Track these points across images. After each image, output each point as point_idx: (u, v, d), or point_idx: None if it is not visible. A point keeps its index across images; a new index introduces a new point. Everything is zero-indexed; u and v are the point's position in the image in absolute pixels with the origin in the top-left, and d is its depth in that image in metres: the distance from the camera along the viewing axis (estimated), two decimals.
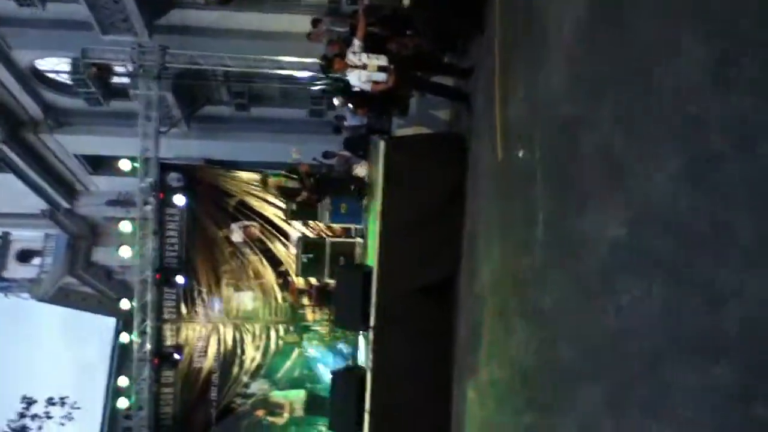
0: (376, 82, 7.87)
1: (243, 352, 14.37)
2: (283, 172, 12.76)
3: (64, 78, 14.75)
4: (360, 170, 11.41)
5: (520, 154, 5.62)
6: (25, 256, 25.15)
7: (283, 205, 13.41)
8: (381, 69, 7.80)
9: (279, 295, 14.25)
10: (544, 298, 4.70)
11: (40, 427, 21.11)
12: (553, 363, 4.51)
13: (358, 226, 12.42)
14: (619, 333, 3.46)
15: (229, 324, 14.35)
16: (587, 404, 3.86)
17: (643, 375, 3.19)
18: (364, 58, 7.76)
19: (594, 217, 3.91)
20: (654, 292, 3.14)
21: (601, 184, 3.86)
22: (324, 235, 13.42)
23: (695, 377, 2.74)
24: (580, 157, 4.18)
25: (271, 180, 12.68)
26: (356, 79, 7.94)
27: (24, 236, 24.56)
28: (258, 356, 14.31)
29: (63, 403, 21.66)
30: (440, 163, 8.24)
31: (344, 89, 9.11)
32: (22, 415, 21.00)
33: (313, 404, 13.54)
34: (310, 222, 13.55)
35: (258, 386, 14.24)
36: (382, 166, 8.41)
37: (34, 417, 21.07)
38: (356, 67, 7.83)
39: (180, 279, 13.71)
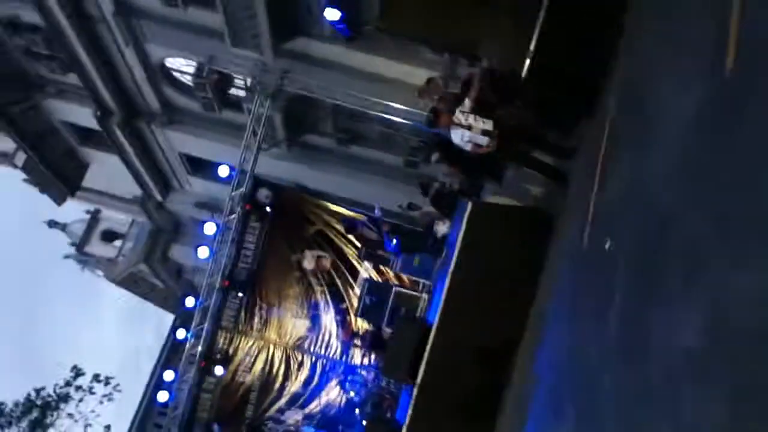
0: (477, 145, 7.94)
1: (286, 378, 14.45)
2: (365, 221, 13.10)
3: (187, 79, 15.64)
4: (441, 228, 11.45)
5: (607, 246, 5.53)
6: (108, 236, 26.36)
7: (358, 244, 13.60)
8: (485, 133, 7.87)
9: (334, 331, 14.33)
10: (602, 390, 4.56)
11: (81, 400, 21.69)
12: None
13: (426, 282, 12.40)
14: None
15: (280, 347, 14.49)
16: None
17: None
18: (471, 119, 7.86)
19: (670, 319, 3.80)
20: (717, 411, 3.01)
21: (683, 287, 3.76)
22: (391, 283, 13.45)
23: None
24: (667, 256, 4.09)
25: (357, 230, 12.97)
26: (459, 138, 8.03)
27: (112, 217, 25.80)
28: (299, 385, 14.36)
29: (107, 383, 22.21)
30: (522, 237, 8.19)
31: (442, 146, 9.24)
32: (68, 384, 21.66)
33: None
34: (381, 266, 13.65)
35: (292, 415, 14.23)
36: (464, 227, 8.44)
37: (78, 388, 21.70)
38: (461, 125, 7.94)
39: (240, 294, 14.09)
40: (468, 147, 8.01)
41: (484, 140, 7.91)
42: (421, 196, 12.01)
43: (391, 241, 12.10)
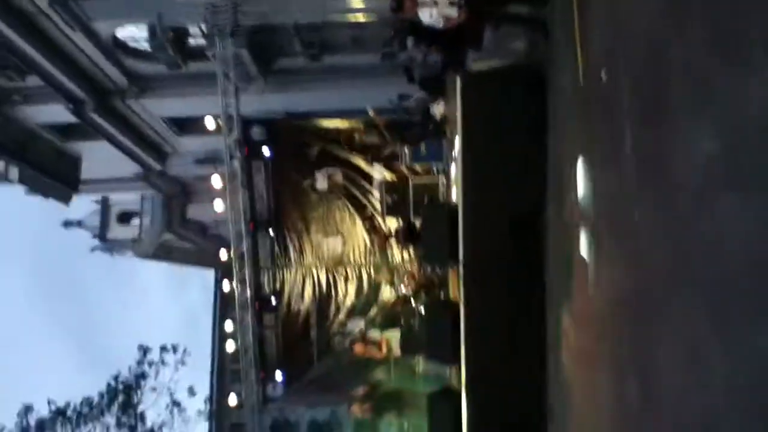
0: (448, 18, 7.81)
1: (337, 293, 14.99)
2: (360, 127, 13.06)
3: (144, 45, 15.29)
4: (437, 109, 11.46)
5: (603, 77, 5.56)
6: (124, 218, 26.59)
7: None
8: (452, 4, 7.73)
9: (367, 238, 14.68)
10: (635, 218, 4.74)
11: (157, 372, 22.82)
12: (648, 282, 4.58)
13: (439, 165, 12.53)
14: (713, 247, 3.50)
15: (322, 268, 14.94)
16: (688, 321, 3.91)
17: (743, 286, 3.22)
18: None
19: (685, 133, 3.89)
20: (751, 205, 3.15)
21: (691, 98, 3.80)
22: (406, 176, 13.59)
23: None
24: (667, 73, 4.11)
25: (357, 138, 13.00)
26: (428, 17, 7.89)
27: (121, 199, 25.93)
28: (352, 296, 14.90)
29: (175, 350, 23.24)
30: (518, 95, 8.20)
31: (414, 29, 9.09)
32: (139, 363, 22.73)
33: (409, 342, 13.90)
34: (392, 164, 13.75)
35: (355, 325, 14.84)
36: (460, 103, 8.46)
37: (150, 364, 22.77)
38: (426, 4, 7.79)
39: (270, 230, 14.38)
40: (440, 24, 7.90)
41: (453, 11, 7.78)
42: (407, 85, 11.94)
43: (394, 137, 12.16)
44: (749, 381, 3.14)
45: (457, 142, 8.68)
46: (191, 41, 14.92)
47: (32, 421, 22.19)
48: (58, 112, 16.31)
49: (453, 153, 9.87)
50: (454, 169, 9.74)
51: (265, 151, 13.95)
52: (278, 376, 15.06)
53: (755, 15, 3.10)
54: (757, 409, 3.07)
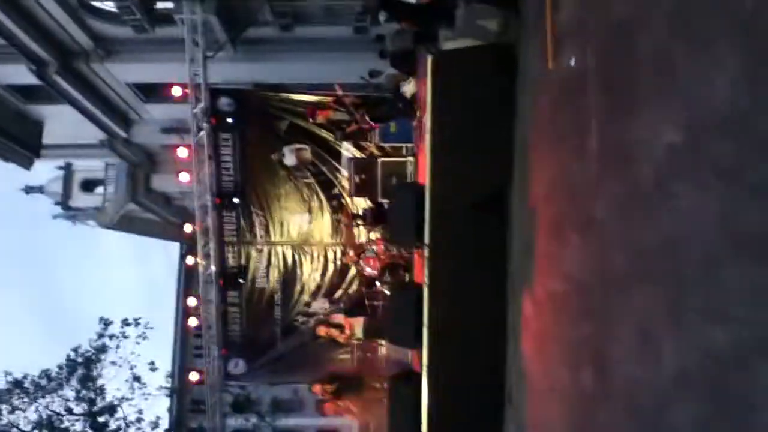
0: None
1: (303, 273, 14.75)
2: (329, 104, 12.73)
3: (110, 6, 14.79)
4: (408, 88, 11.22)
5: (572, 62, 5.43)
6: (88, 186, 26.03)
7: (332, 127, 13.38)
8: None
9: (333, 217, 14.44)
10: (597, 208, 4.63)
11: (118, 346, 22.39)
12: (607, 273, 4.48)
13: (409, 145, 12.32)
14: (675, 239, 3.41)
15: (288, 246, 14.69)
16: (644, 312, 3.85)
17: (699, 279, 3.16)
18: None
19: (650, 123, 3.78)
20: (711, 196, 3.06)
21: (656, 88, 3.71)
22: (375, 155, 13.34)
23: (753, 279, 2.69)
24: (634, 61, 4.01)
25: (320, 115, 12.66)
26: None
27: (85, 166, 25.35)
28: (317, 276, 14.68)
29: (137, 324, 22.77)
30: (489, 76, 8.03)
31: (386, 3, 8.87)
32: (100, 336, 22.28)
33: (372, 325, 13.75)
34: (361, 142, 13.49)
35: (319, 305, 14.64)
36: (430, 82, 8.26)
37: (111, 337, 22.33)
38: None
39: (236, 200, 14.06)
40: None
41: None
42: (380, 60, 11.67)
43: (362, 114, 11.90)
44: (699, 370, 3.16)
45: (426, 121, 8.48)
46: (159, 4, 14.44)
47: None
48: (21, 73, 15.75)
49: (421, 133, 9.68)
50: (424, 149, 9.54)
51: (233, 122, 13.58)
52: (240, 353, 14.88)
53: (721, 8, 2.97)
54: (707, 396, 3.08)
